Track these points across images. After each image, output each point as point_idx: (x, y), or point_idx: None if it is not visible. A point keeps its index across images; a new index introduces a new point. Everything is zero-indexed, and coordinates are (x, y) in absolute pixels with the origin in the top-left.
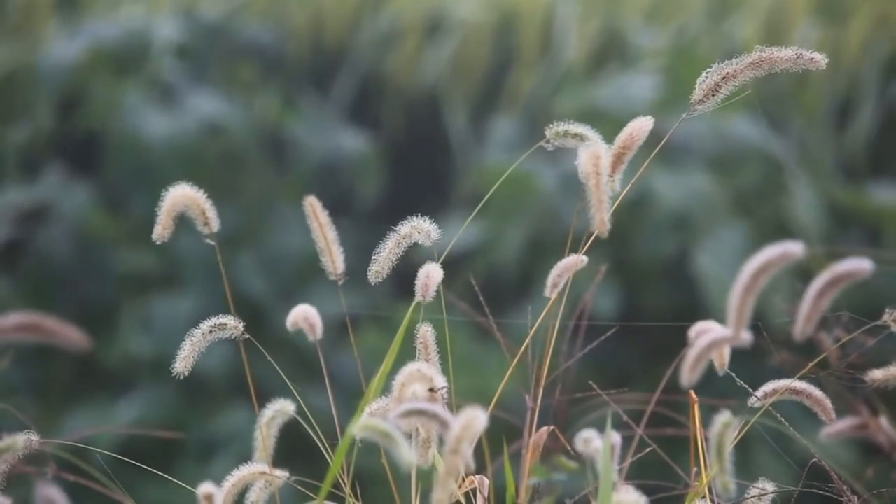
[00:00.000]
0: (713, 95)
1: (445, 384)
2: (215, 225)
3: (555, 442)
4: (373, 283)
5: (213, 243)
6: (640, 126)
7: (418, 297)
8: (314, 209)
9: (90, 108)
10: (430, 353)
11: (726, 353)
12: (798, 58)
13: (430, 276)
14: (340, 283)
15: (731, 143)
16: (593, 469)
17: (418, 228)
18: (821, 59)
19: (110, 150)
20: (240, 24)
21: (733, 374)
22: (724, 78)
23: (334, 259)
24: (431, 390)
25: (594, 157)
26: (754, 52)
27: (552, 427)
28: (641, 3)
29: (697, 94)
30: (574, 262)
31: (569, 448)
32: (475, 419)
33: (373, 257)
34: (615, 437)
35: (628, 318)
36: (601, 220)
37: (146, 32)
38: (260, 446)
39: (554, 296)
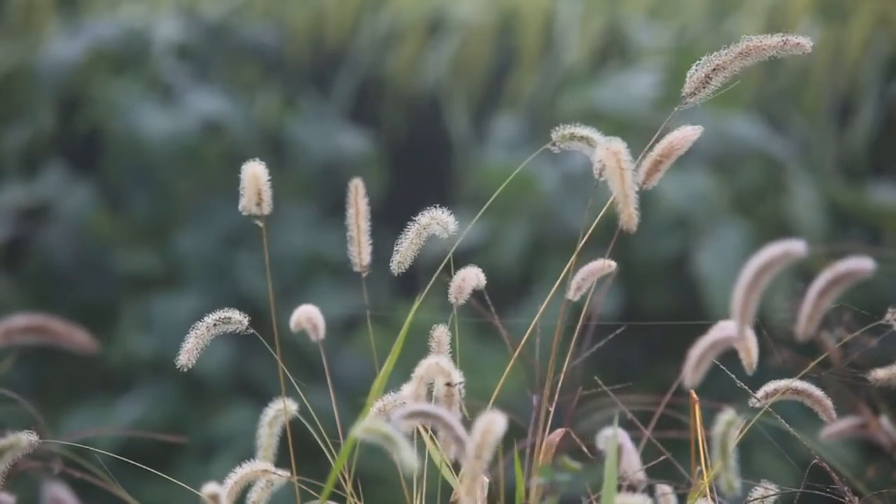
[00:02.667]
0: (704, 87)
1: (462, 379)
2: (267, 208)
3: (563, 442)
4: (396, 274)
5: (261, 224)
6: (682, 136)
7: (451, 300)
8: (357, 194)
9: (90, 108)
10: (442, 353)
11: (754, 352)
12: (784, 44)
13: (466, 279)
14: (364, 275)
15: (732, 143)
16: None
17: (437, 219)
18: (806, 42)
19: (111, 149)
20: (240, 25)
21: (729, 374)
22: (714, 69)
23: (362, 250)
24: (448, 385)
25: (614, 152)
26: (742, 42)
27: (568, 430)
28: (643, 1)
29: (688, 86)
30: (600, 266)
31: (584, 447)
32: (494, 423)
33: (395, 248)
34: (626, 439)
35: (629, 318)
36: (629, 214)
37: (146, 32)
38: (263, 445)
39: (576, 298)
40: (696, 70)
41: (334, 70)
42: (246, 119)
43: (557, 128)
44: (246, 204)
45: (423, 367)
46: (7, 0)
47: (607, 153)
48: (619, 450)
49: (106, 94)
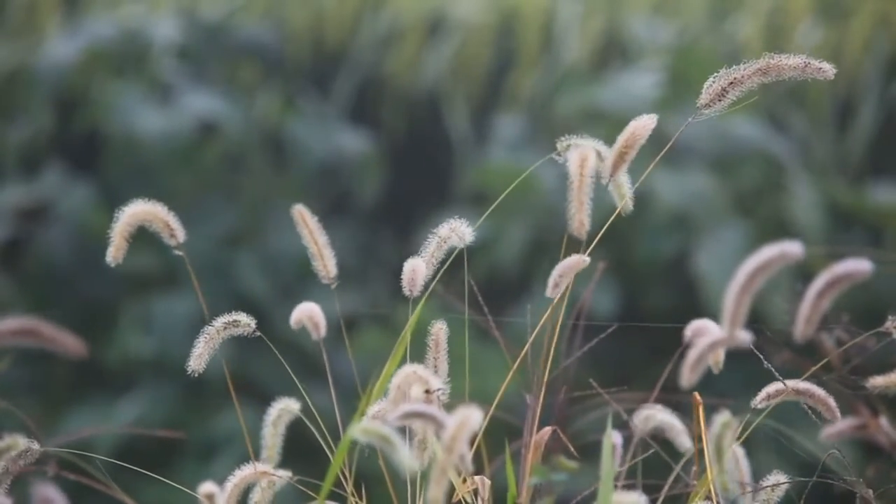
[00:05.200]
0: (720, 100)
1: (442, 386)
2: (181, 235)
3: (556, 441)
4: (413, 294)
5: (181, 254)
6: (643, 125)
7: (405, 292)
8: (303, 216)
9: (89, 108)
10: (440, 352)
11: (721, 353)
12: (806, 66)
13: (416, 270)
14: (333, 286)
15: (732, 143)
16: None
17: (455, 230)
18: (829, 68)
19: (110, 149)
20: (240, 25)
21: (730, 375)
22: (731, 83)
23: (326, 263)
24: (427, 392)
25: (581, 158)
26: (762, 59)
27: (554, 427)
28: (643, 1)
29: (704, 98)
30: (576, 262)
31: (570, 447)
32: (470, 417)
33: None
34: (616, 437)
35: (628, 318)
36: (580, 221)
37: (146, 32)
38: (267, 445)
39: (557, 296)
40: (714, 82)
41: (334, 70)
42: (245, 119)
43: (561, 138)
44: (114, 254)
45: (401, 376)
46: (8, 0)
47: (576, 159)
48: (614, 448)
49: (105, 95)
